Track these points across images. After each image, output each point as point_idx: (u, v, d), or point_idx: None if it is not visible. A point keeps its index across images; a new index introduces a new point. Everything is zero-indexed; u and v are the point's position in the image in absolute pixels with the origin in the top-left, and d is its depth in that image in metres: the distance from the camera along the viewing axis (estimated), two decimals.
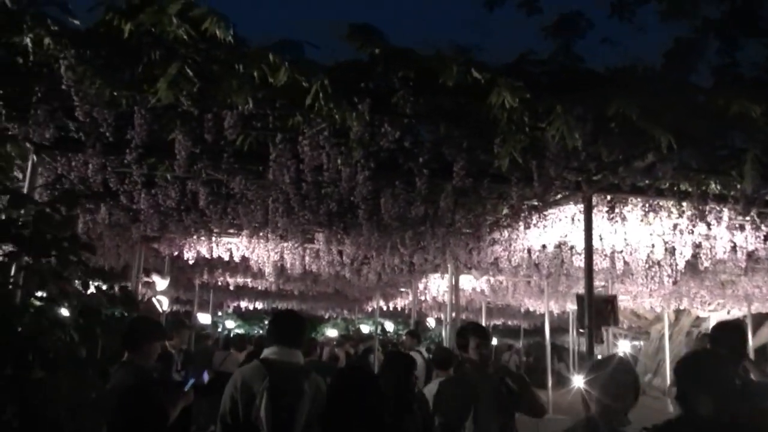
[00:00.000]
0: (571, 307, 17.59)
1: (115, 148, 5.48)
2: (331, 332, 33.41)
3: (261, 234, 9.43)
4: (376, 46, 4.45)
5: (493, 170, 5.94)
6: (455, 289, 11.38)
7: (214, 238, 10.07)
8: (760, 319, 16.19)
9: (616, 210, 6.80)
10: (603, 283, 12.28)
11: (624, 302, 15.00)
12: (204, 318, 18.41)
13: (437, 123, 4.92)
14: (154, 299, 10.55)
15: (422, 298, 16.91)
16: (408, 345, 11.79)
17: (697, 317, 16.71)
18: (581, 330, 6.57)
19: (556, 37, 5.14)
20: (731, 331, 4.94)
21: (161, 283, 10.83)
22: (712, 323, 15.67)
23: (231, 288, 17.30)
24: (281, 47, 4.38)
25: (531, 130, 4.63)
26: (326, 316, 31.63)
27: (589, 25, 5.16)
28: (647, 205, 6.88)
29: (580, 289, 14.80)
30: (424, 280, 14.66)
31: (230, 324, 30.38)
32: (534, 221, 7.34)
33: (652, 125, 4.38)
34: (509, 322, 28.68)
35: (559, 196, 6.70)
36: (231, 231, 9.66)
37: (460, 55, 4.20)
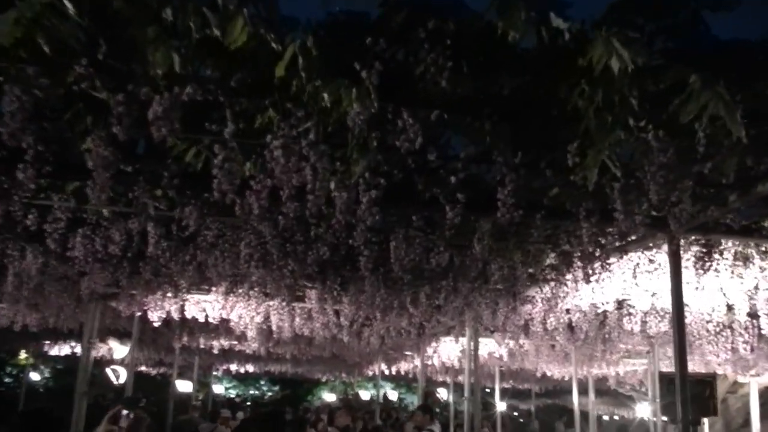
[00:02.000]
0: (594, 371, 15.61)
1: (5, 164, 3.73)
2: (329, 396, 31.17)
3: (239, 291, 7.66)
4: None
5: (548, 200, 4.24)
6: (474, 355, 9.48)
7: (182, 296, 8.24)
8: None
9: (714, 257, 5.01)
10: (647, 348, 10.45)
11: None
12: (184, 385, 16.41)
13: (481, 118, 3.16)
14: (108, 370, 8.66)
15: (429, 362, 14.96)
16: (419, 422, 9.93)
17: (735, 382, 14.63)
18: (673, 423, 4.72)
19: None
20: None
21: (120, 349, 8.94)
22: (753, 389, 13.60)
23: (216, 351, 15.44)
24: None
25: (636, 128, 2.88)
26: (323, 379, 29.35)
27: None
28: (746, 251, 5.12)
29: (614, 353, 13.08)
30: (434, 343, 12.76)
31: (219, 389, 28.14)
32: (590, 273, 5.55)
33: None
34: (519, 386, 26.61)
35: (632, 237, 4.92)
36: (204, 287, 7.88)
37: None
